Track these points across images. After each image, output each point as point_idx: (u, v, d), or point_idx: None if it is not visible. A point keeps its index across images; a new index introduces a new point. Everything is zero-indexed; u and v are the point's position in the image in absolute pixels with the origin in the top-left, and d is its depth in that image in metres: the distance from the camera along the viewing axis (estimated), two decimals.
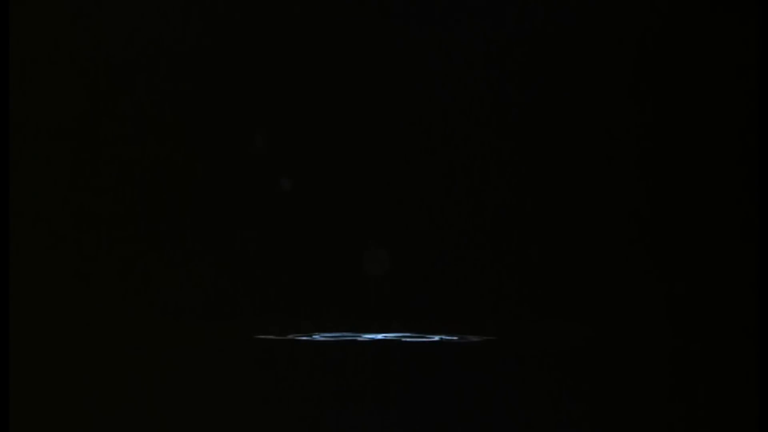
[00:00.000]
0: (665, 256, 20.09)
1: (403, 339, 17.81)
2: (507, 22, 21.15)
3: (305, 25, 21.45)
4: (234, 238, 21.75)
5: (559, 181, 21.36)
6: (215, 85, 21.59)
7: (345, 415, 9.63)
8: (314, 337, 17.78)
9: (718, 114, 19.92)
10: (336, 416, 9.54)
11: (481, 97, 21.45)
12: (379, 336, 18.17)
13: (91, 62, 20.92)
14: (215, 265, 21.56)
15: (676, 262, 19.94)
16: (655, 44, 20.54)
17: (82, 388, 11.19)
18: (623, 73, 20.84)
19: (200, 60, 21.43)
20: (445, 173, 21.85)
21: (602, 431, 9.15)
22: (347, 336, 18.03)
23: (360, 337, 18.04)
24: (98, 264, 20.70)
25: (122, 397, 10.53)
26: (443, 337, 17.89)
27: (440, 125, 21.79)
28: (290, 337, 17.76)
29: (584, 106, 21.08)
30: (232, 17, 21.48)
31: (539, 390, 11.39)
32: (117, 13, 20.97)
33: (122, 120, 21.23)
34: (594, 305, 19.85)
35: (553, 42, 21.17)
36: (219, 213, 21.73)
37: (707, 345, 16.02)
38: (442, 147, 21.77)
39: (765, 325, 11.97)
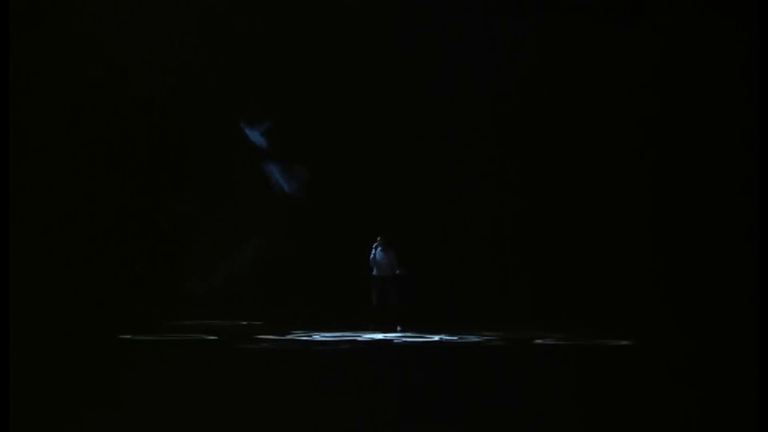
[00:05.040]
0: (668, 258, 20.12)
1: (403, 339, 17.85)
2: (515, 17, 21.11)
3: (319, 26, 21.45)
4: (233, 238, 21.75)
5: (559, 183, 21.38)
6: (215, 83, 21.60)
7: (344, 414, 9.65)
8: (314, 337, 17.82)
9: (719, 119, 19.95)
10: (335, 416, 9.56)
11: (484, 96, 21.45)
12: (379, 336, 18.21)
13: (90, 60, 20.92)
14: (215, 264, 21.57)
15: (679, 264, 19.97)
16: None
17: (82, 388, 11.20)
18: (625, 79, 20.87)
19: (204, 57, 21.43)
20: (447, 174, 21.87)
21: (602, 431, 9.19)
22: (347, 336, 18.07)
23: (360, 337, 18.08)
24: (97, 264, 20.69)
25: (121, 397, 10.54)
26: (443, 337, 17.94)
27: (445, 127, 21.79)
28: (290, 337, 17.80)
29: (592, 115, 21.03)
30: (236, 19, 21.51)
31: (539, 390, 11.42)
32: (115, 11, 20.97)
33: (122, 119, 21.24)
34: (594, 305, 19.86)
35: (554, 41, 21.19)
36: (218, 212, 21.73)
37: (712, 347, 16.06)
38: (445, 147, 21.77)
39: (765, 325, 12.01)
